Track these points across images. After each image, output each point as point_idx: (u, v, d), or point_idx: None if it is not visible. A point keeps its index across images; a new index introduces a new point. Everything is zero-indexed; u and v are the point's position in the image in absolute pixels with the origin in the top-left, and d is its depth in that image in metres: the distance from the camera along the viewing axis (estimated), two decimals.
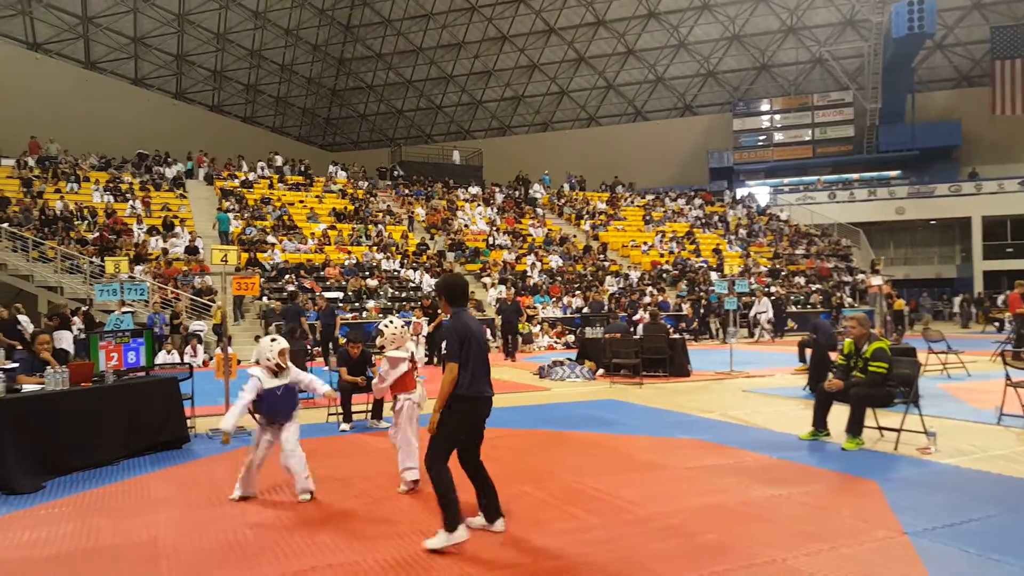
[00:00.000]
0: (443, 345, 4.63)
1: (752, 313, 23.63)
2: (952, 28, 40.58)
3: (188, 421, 8.02)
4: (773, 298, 25.00)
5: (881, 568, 4.06)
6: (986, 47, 39.26)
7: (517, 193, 35.94)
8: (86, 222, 22.66)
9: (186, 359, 15.69)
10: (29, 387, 6.73)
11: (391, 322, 6.14)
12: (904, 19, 34.03)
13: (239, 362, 14.12)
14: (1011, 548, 4.28)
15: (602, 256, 29.63)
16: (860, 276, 29.33)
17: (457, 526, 4.39)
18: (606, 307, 22.57)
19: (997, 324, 26.03)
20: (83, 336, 14.51)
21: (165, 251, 21.95)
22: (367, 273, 23.29)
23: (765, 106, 44.60)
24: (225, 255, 8.96)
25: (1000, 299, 28.79)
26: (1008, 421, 8.02)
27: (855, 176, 42.30)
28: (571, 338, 21.32)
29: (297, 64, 47.23)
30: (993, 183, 36.61)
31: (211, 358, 16.24)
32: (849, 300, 27.32)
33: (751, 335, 23.29)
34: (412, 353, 6.06)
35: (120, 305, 11.38)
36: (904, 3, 34.22)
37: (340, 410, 8.68)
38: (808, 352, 12.19)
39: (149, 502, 5.68)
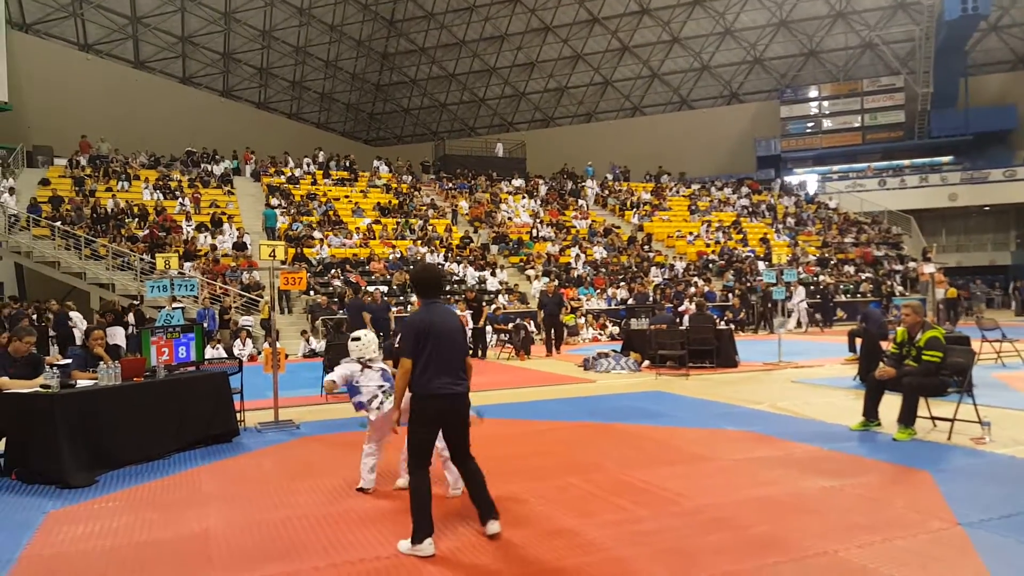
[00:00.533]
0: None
1: (792, 304, 23.32)
2: (1008, 9, 39.03)
3: (238, 415, 8.13)
4: (821, 287, 24.58)
5: (936, 560, 3.99)
6: None
7: (567, 186, 35.80)
8: (136, 220, 23.28)
9: (235, 353, 16.07)
10: (83, 382, 6.88)
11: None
12: (957, 1, 32.93)
13: (287, 356, 14.42)
14: None
15: (647, 247, 29.39)
16: (911, 264, 28.58)
17: (423, 539, 4.22)
18: (651, 298, 22.43)
19: None
20: (135, 332, 14.93)
21: (214, 247, 22.46)
22: (411, 267, 23.50)
23: (813, 92, 43.64)
24: (273, 250, 9.13)
25: None
26: None
27: (906, 162, 41.17)
28: (616, 330, 21.23)
29: (341, 60, 47.76)
30: None
31: (259, 352, 16.62)
32: (900, 288, 26.67)
33: (798, 325, 22.92)
34: None
35: (170, 301, 11.70)
36: None
37: None
38: (858, 341, 11.96)
39: (200, 495, 5.79)
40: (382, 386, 5.83)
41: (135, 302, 18.02)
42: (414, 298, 21.26)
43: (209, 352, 15.26)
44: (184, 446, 7.31)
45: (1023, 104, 38.39)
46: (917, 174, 38.76)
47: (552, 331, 17.45)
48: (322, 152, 33.82)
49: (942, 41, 36.54)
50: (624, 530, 4.59)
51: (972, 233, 39.71)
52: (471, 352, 16.51)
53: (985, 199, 36.73)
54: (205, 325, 16.09)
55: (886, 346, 10.05)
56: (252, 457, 7.15)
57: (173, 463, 6.89)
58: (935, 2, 35.78)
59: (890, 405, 7.11)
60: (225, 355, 15.50)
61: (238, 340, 17.21)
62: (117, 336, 14.49)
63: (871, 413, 7.25)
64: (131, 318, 16.55)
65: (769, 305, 22.51)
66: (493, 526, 4.46)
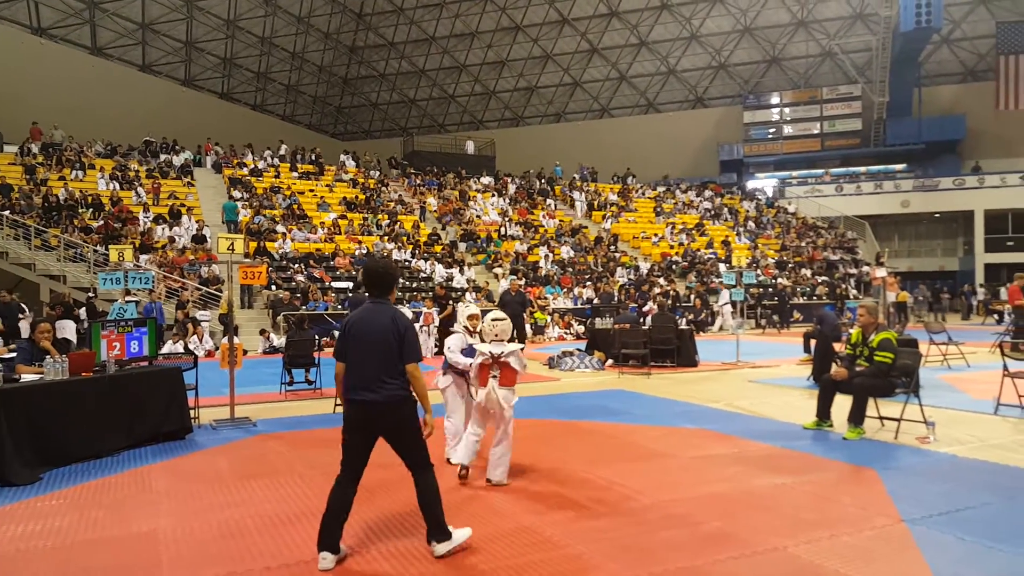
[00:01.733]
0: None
1: (718, 305, 23.81)
2: (959, 23, 40.33)
3: (192, 412, 8.00)
4: (779, 289, 25.06)
5: (879, 556, 4.11)
6: (991, 42, 39.01)
7: (539, 184, 35.86)
8: (91, 210, 22.71)
9: (191, 348, 15.79)
10: (28, 377, 6.70)
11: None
12: (912, 13, 33.88)
13: (245, 352, 14.21)
14: (1006, 536, 4.33)
15: (613, 247, 29.62)
16: (865, 268, 29.29)
17: (320, 550, 4.06)
18: (615, 298, 22.61)
19: (997, 316, 26.08)
20: (87, 325, 14.58)
21: (172, 240, 22.04)
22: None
23: (775, 99, 44.49)
24: (232, 243, 8.99)
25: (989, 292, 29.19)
26: (1005, 411, 8.09)
27: (862, 169, 42.24)
28: (581, 328, 21.38)
29: (308, 52, 47.21)
30: (996, 177, 36.56)
31: (217, 348, 16.36)
32: (854, 292, 27.30)
33: (722, 328, 23.31)
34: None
35: (124, 294, 11.45)
36: None
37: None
38: (813, 343, 12.22)
39: (150, 493, 5.66)
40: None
41: (90, 295, 17.59)
42: (351, 296, 21.16)
43: (167, 347, 15.00)
44: (135, 443, 7.16)
45: (972, 115, 39.61)
46: (872, 181, 39.80)
47: (514, 331, 17.46)
48: (284, 145, 33.37)
49: (897, 52, 37.57)
50: (581, 527, 4.65)
51: (923, 239, 40.84)
52: (436, 351, 16.52)
53: (935, 206, 37.87)
54: (155, 317, 15.78)
55: (839, 348, 10.31)
56: (205, 455, 7.02)
57: (122, 460, 6.74)
58: (892, 14, 36.72)
59: (842, 405, 7.29)
60: (182, 350, 15.22)
61: (195, 335, 16.91)
62: (67, 330, 14.14)
63: (824, 413, 7.43)
64: (83, 312, 16.17)
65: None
66: (438, 548, 4.15)
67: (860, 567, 3.95)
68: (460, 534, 4.24)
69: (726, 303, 23.41)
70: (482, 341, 5.86)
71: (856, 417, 7.03)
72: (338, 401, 8.63)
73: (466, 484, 5.70)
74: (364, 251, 23.93)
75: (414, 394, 4.21)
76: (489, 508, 5.08)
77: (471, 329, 6.27)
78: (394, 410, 4.15)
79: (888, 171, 41.55)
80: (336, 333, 18.08)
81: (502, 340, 5.69)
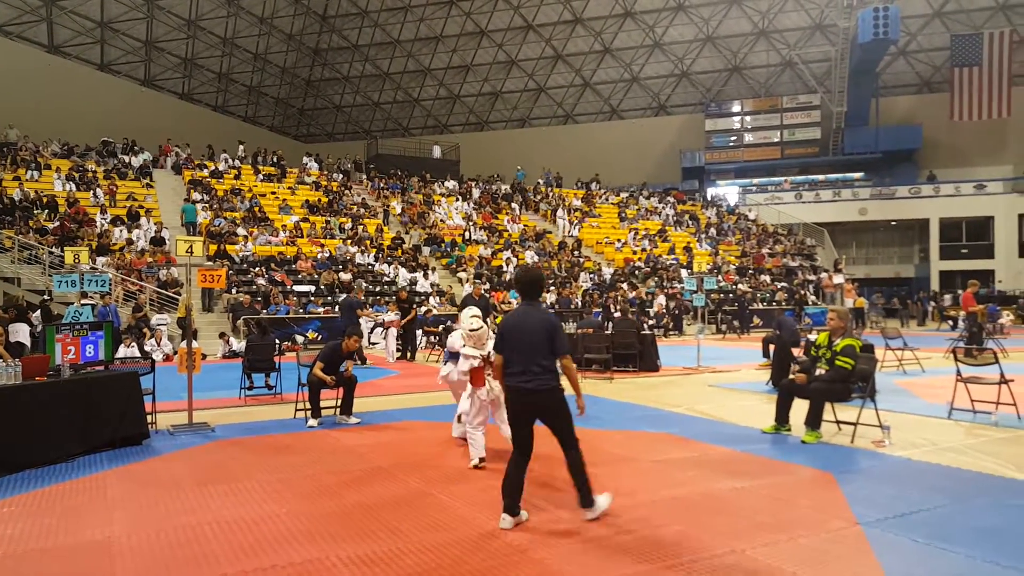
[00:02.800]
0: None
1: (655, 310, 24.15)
2: (915, 35, 41.48)
3: (149, 417, 7.83)
4: (738, 295, 25.44)
5: (835, 558, 4.18)
6: (946, 54, 40.19)
7: (501, 189, 35.85)
8: (46, 211, 22.16)
9: (149, 351, 15.48)
10: None
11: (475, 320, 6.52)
12: (870, 25, 34.78)
13: (204, 356, 13.98)
14: (957, 537, 4.44)
15: (577, 252, 29.78)
16: (823, 275, 29.87)
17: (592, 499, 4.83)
18: (572, 303, 22.66)
19: (951, 322, 26.80)
20: (42, 329, 14.21)
21: (130, 242, 21.59)
22: (340, 267, 23.14)
23: (736, 107, 45.22)
24: (191, 246, 8.85)
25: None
26: (958, 415, 8.30)
27: (821, 177, 43.16)
28: None
29: (271, 53, 46.68)
30: (950, 186, 37.70)
31: (175, 352, 16.06)
32: (813, 298, 27.81)
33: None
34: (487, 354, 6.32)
35: (80, 297, 11.21)
36: (870, 9, 35.04)
37: (308, 405, 8.61)
38: (772, 348, 12.42)
39: (104, 500, 5.53)
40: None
41: (45, 298, 17.13)
42: (343, 298, 20.95)
43: (123, 351, 14.69)
44: (90, 449, 7.00)
45: (928, 125, 40.74)
46: (831, 189, 40.69)
47: None
48: (241, 146, 32.86)
49: (855, 63, 38.48)
50: (543, 531, 4.65)
51: (880, 246, 41.86)
52: (398, 355, 16.44)
53: (892, 214, 38.81)
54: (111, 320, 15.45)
55: (798, 353, 10.49)
56: (162, 460, 6.88)
57: (77, 466, 6.59)
58: (850, 25, 37.61)
59: (799, 410, 7.42)
60: (139, 354, 14.91)
61: (152, 339, 16.57)
62: (20, 333, 13.78)
63: (782, 418, 7.55)
64: (37, 315, 15.75)
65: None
66: (587, 514, 4.82)
67: (816, 569, 4.02)
68: (602, 500, 4.90)
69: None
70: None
71: (813, 421, 7.17)
72: (307, 405, 8.59)
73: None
74: (327, 254, 23.71)
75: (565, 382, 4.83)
76: (452, 514, 5.06)
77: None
78: (546, 396, 4.76)
79: (846, 179, 42.51)
80: (297, 337, 17.97)
81: (485, 343, 6.32)
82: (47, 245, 19.41)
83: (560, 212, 33.26)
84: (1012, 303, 30.12)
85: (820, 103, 42.48)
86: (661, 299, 24.92)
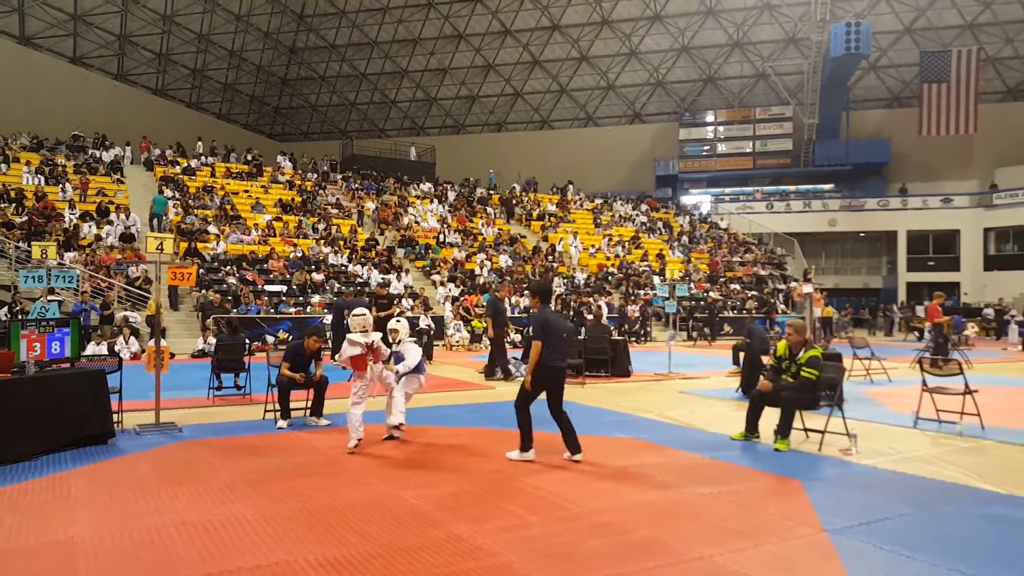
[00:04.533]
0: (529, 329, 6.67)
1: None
2: (886, 51, 42.29)
3: (115, 416, 7.72)
4: (707, 303, 25.69)
5: (801, 564, 4.23)
6: (916, 70, 41.01)
7: (477, 192, 35.78)
8: (13, 205, 21.72)
9: (117, 350, 15.24)
10: None
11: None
12: (842, 39, 35.39)
13: (172, 355, 13.79)
14: (921, 545, 4.52)
15: (551, 257, 29.85)
16: (793, 284, 30.27)
17: (528, 449, 6.66)
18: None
19: (917, 333, 27.29)
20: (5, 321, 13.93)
21: (99, 238, 21.23)
22: (313, 267, 22.95)
23: (710, 117, 45.71)
24: (161, 243, 8.72)
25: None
26: (923, 424, 8.45)
27: (792, 188, 43.77)
28: (518, 337, 21.42)
29: (247, 51, 46.24)
30: (918, 199, 38.42)
31: (143, 350, 15.82)
32: (783, 307, 28.17)
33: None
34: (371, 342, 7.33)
35: (46, 293, 10.99)
36: (842, 24, 35.67)
37: (278, 406, 8.53)
38: (742, 355, 12.56)
39: (68, 500, 5.43)
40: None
41: (16, 294, 16.79)
42: (315, 299, 20.85)
43: (91, 348, 14.43)
44: (54, 448, 6.87)
45: (897, 139, 41.54)
46: (801, 200, 41.24)
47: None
48: (200, 142, 32.37)
49: (827, 76, 39.10)
50: (512, 535, 4.65)
51: (848, 257, 42.52)
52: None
53: (861, 226, 39.43)
54: (81, 320, 15.19)
55: (767, 360, 10.61)
56: (128, 460, 6.77)
57: (40, 465, 6.46)
58: (822, 39, 38.23)
59: (768, 418, 7.52)
60: (106, 352, 14.65)
61: (120, 337, 16.31)
62: None
63: (752, 427, 7.63)
64: (3, 312, 15.43)
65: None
66: (576, 456, 6.66)
67: (782, 575, 4.06)
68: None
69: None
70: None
71: (784, 429, 7.25)
72: (276, 406, 8.50)
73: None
74: (299, 254, 23.51)
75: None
76: (420, 517, 5.04)
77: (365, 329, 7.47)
78: (565, 373, 6.83)
79: (817, 191, 43.16)
80: (268, 337, 17.82)
81: (367, 331, 7.32)
82: (13, 240, 19.01)
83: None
84: (977, 315, 30.75)
85: (792, 115, 43.09)
86: (634, 306, 25.11)
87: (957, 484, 6.06)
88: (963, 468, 6.56)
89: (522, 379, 7.39)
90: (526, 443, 6.61)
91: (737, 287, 29.86)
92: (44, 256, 11.40)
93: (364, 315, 7.43)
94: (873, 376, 13.34)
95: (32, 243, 14.06)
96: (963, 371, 8.17)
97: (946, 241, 38.22)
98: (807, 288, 15.79)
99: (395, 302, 18.24)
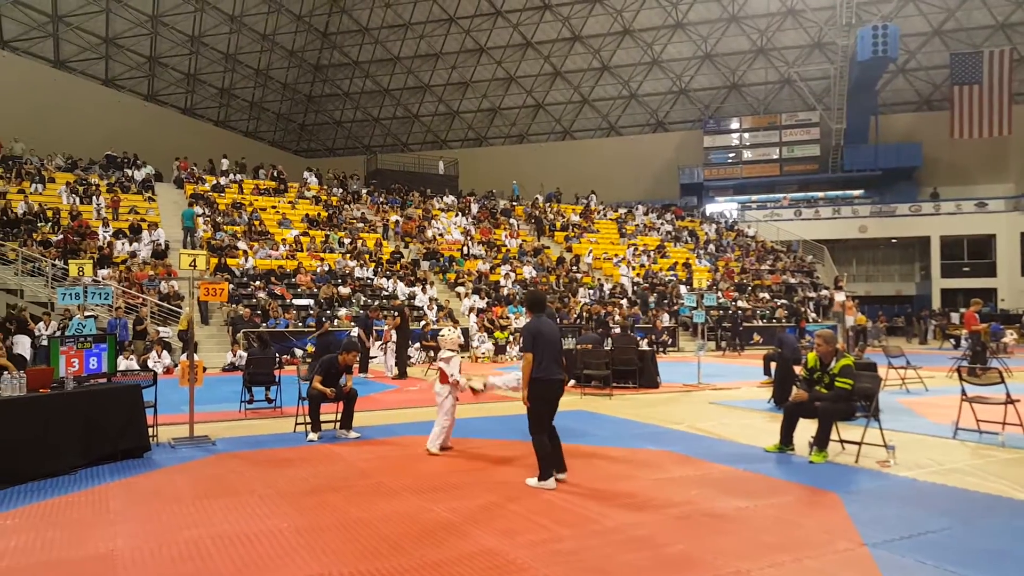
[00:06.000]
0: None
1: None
2: (914, 53, 41.76)
3: (150, 430, 7.82)
4: (731, 312, 25.43)
5: None
6: (946, 72, 40.44)
7: (500, 204, 35.88)
8: (50, 224, 22.20)
9: (150, 365, 15.46)
10: None
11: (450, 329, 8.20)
12: (869, 43, 34.95)
13: (205, 369, 13.95)
14: (965, 560, 4.40)
15: (575, 268, 29.80)
16: (824, 292, 29.87)
17: (548, 477, 6.14)
18: (560, 317, 22.53)
19: (953, 341, 26.70)
20: (46, 339, 14.21)
21: (132, 254, 21.61)
22: (339, 280, 23.15)
23: (735, 124, 45.41)
24: (194, 260, 8.86)
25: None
26: (963, 435, 8.25)
27: (820, 194, 43.24)
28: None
29: (273, 69, 46.94)
30: (951, 204, 37.71)
31: (176, 365, 16.04)
32: (813, 315, 27.79)
33: None
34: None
35: (80, 310, 11.20)
36: (869, 28, 35.20)
37: (308, 419, 8.59)
38: (773, 366, 12.39)
39: (107, 513, 5.50)
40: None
41: (48, 311, 17.14)
42: (341, 312, 21.01)
43: (123, 363, 14.65)
44: (92, 462, 6.98)
45: (928, 143, 40.85)
46: (830, 206, 40.72)
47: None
48: (225, 160, 32.85)
49: (855, 80, 38.65)
50: (544, 549, 4.61)
51: (880, 264, 41.85)
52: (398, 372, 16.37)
53: (892, 232, 38.82)
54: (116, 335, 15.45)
55: (799, 371, 10.47)
56: (164, 474, 6.85)
57: (79, 479, 6.56)
58: (849, 43, 37.84)
59: (802, 430, 7.40)
60: (138, 367, 14.88)
61: (153, 352, 16.55)
62: (22, 345, 13.77)
63: (787, 439, 7.50)
64: (41, 326, 15.74)
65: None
66: (561, 476, 6.32)
67: None
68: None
69: None
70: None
71: (821, 442, 7.11)
72: (307, 419, 8.56)
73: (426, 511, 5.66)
74: (326, 268, 23.72)
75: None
76: (452, 530, 5.03)
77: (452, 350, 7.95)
78: (563, 385, 6.47)
79: (846, 196, 42.62)
80: (296, 351, 17.99)
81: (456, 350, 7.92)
82: (50, 258, 19.43)
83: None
84: (1015, 322, 30.06)
85: (819, 120, 42.65)
86: (665, 316, 24.99)
87: (1000, 496, 5.90)
88: (1006, 480, 6.39)
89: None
90: (545, 471, 6.14)
91: (766, 296, 29.53)
92: (81, 273, 11.63)
93: (457, 333, 8.03)
94: (909, 386, 13.07)
95: (69, 261, 14.34)
96: (1004, 380, 7.98)
97: (981, 246, 37.47)
98: (839, 296, 15.57)
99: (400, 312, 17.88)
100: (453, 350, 7.90)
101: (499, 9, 44.09)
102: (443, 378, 7.75)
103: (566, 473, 6.36)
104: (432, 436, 7.66)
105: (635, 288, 28.32)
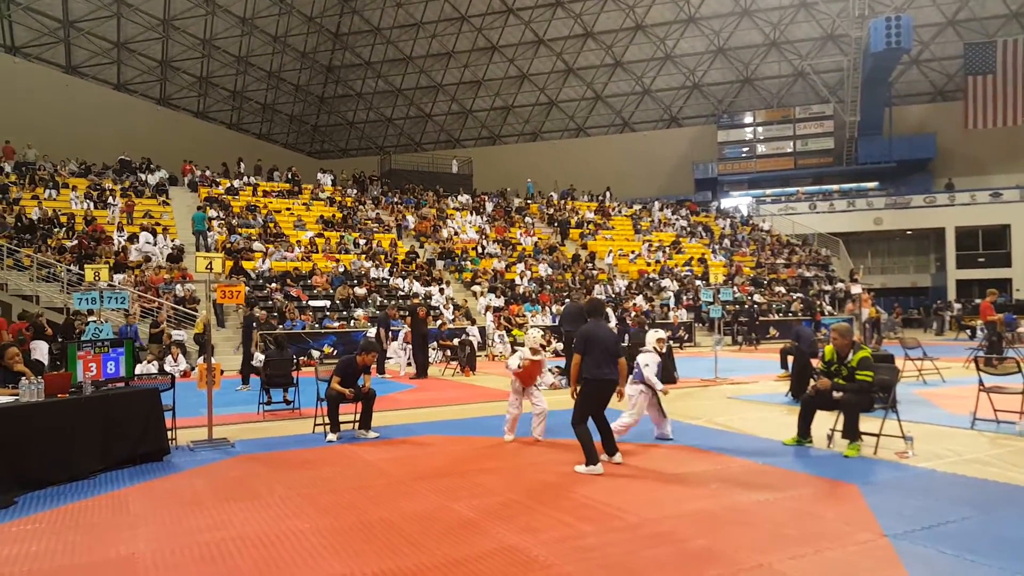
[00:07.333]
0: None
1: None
2: (928, 44, 41.35)
3: (169, 433, 7.86)
4: (746, 306, 25.26)
5: (865, 571, 4.13)
6: (960, 63, 40.03)
7: (514, 202, 35.89)
8: (64, 229, 22.39)
9: (167, 368, 15.57)
10: (2, 399, 6.54)
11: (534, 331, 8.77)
12: (882, 34, 34.65)
13: (222, 372, 14.03)
14: (986, 549, 4.38)
15: (590, 264, 29.76)
16: (839, 285, 29.67)
17: (595, 462, 6.56)
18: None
19: (969, 331, 26.52)
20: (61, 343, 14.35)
21: (147, 258, 21.78)
22: (355, 281, 23.23)
23: (748, 118, 45.14)
24: (210, 263, 8.90)
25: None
26: (981, 425, 8.20)
27: (835, 187, 42.93)
28: (559, 346, 21.34)
29: (285, 71, 47.14)
30: (966, 195, 37.30)
31: (193, 368, 16.16)
32: (829, 308, 27.62)
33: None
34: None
35: (88, 315, 11.27)
36: (882, 19, 34.89)
37: (327, 420, 8.63)
38: (790, 359, 12.34)
39: (127, 517, 5.54)
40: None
41: (72, 317, 17.29)
42: (357, 312, 21.09)
43: (141, 367, 14.76)
44: (111, 465, 7.02)
45: (942, 134, 40.47)
46: (845, 199, 40.40)
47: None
48: (242, 163, 33.06)
49: (868, 72, 38.32)
50: (568, 546, 4.62)
51: (895, 256, 41.51)
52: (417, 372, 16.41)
53: (907, 224, 38.47)
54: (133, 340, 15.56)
55: (815, 364, 10.41)
56: (183, 477, 6.89)
57: (99, 483, 6.61)
58: (862, 35, 37.53)
59: (820, 422, 7.37)
60: (155, 371, 14.99)
61: (169, 355, 16.66)
62: (39, 351, 13.88)
63: (804, 432, 7.49)
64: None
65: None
66: (616, 458, 6.92)
67: None
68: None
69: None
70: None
71: (851, 434, 7.05)
72: (326, 420, 8.61)
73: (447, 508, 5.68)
74: (341, 269, 23.82)
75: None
76: (473, 527, 5.04)
77: (658, 349, 8.35)
78: (614, 384, 6.80)
79: (860, 189, 42.28)
80: (313, 352, 18.09)
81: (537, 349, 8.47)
82: (65, 263, 19.61)
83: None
84: None
85: (833, 113, 42.34)
86: (682, 312, 24.91)
87: (1019, 486, 5.87)
88: None
89: (564, 388, 7.69)
90: (591, 457, 6.57)
91: (782, 290, 29.37)
92: (97, 278, 11.73)
93: (541, 333, 8.33)
94: (926, 377, 12.98)
95: (85, 266, 14.46)
96: (1021, 369, 7.91)
97: (996, 236, 37.03)
98: (855, 288, 15.47)
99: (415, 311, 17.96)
100: (534, 348, 8.31)
101: (511, 7, 44.07)
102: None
103: (618, 454, 6.93)
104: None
105: (650, 284, 28.26)
